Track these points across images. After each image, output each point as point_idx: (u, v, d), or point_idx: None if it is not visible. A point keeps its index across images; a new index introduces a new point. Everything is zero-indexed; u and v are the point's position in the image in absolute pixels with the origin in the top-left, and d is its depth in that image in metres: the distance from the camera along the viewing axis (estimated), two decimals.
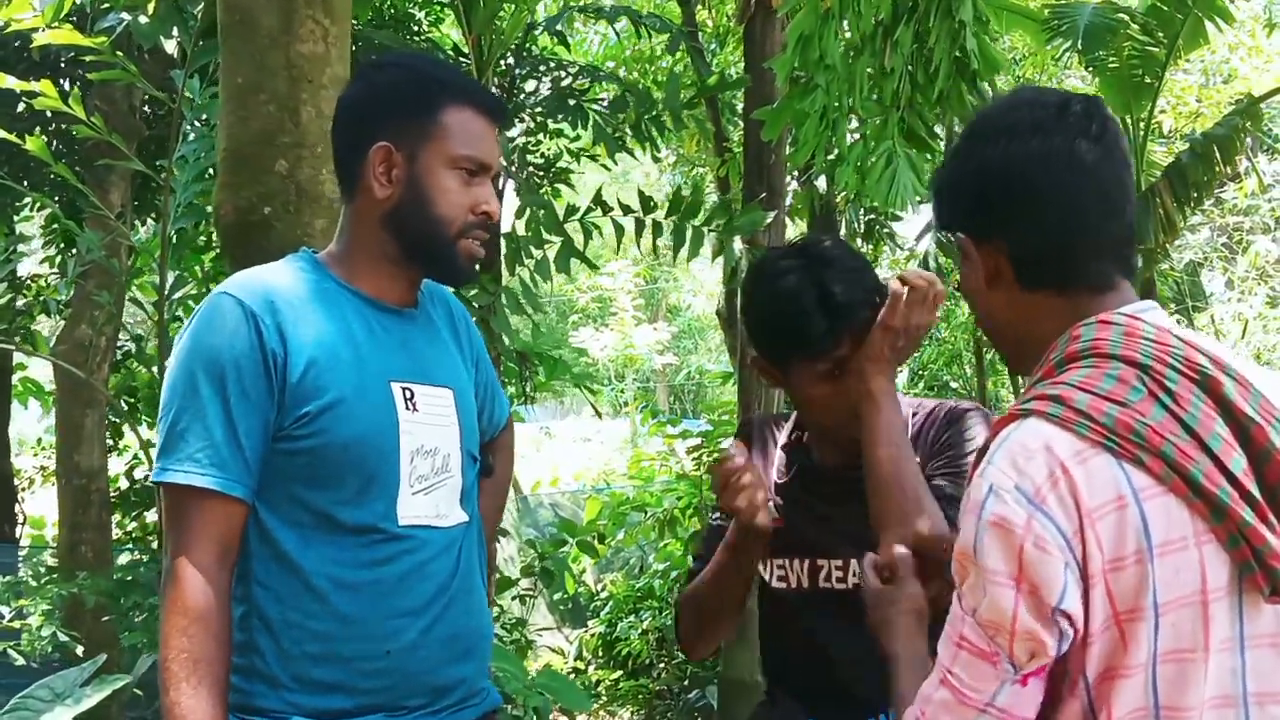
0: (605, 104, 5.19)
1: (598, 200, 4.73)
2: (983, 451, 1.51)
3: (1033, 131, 1.55)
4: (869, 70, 5.11)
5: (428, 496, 2.10)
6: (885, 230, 9.50)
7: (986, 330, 1.71)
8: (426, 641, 2.07)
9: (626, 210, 4.69)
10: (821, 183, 8.61)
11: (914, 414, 2.32)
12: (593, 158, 7.01)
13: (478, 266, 2.24)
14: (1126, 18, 8.52)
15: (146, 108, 7.09)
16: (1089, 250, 1.56)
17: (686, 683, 8.15)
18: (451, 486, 2.15)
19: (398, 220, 2.11)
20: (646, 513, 9.04)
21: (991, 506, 1.42)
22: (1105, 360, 1.48)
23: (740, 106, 10.64)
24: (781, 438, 2.42)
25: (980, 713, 1.44)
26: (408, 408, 2.09)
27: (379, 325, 2.13)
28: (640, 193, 4.79)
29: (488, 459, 2.35)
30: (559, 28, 5.52)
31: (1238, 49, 12.59)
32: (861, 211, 8.99)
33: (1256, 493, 1.41)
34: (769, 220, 4.88)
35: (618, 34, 6.26)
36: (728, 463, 2.13)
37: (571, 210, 4.72)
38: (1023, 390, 1.58)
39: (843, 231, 9.54)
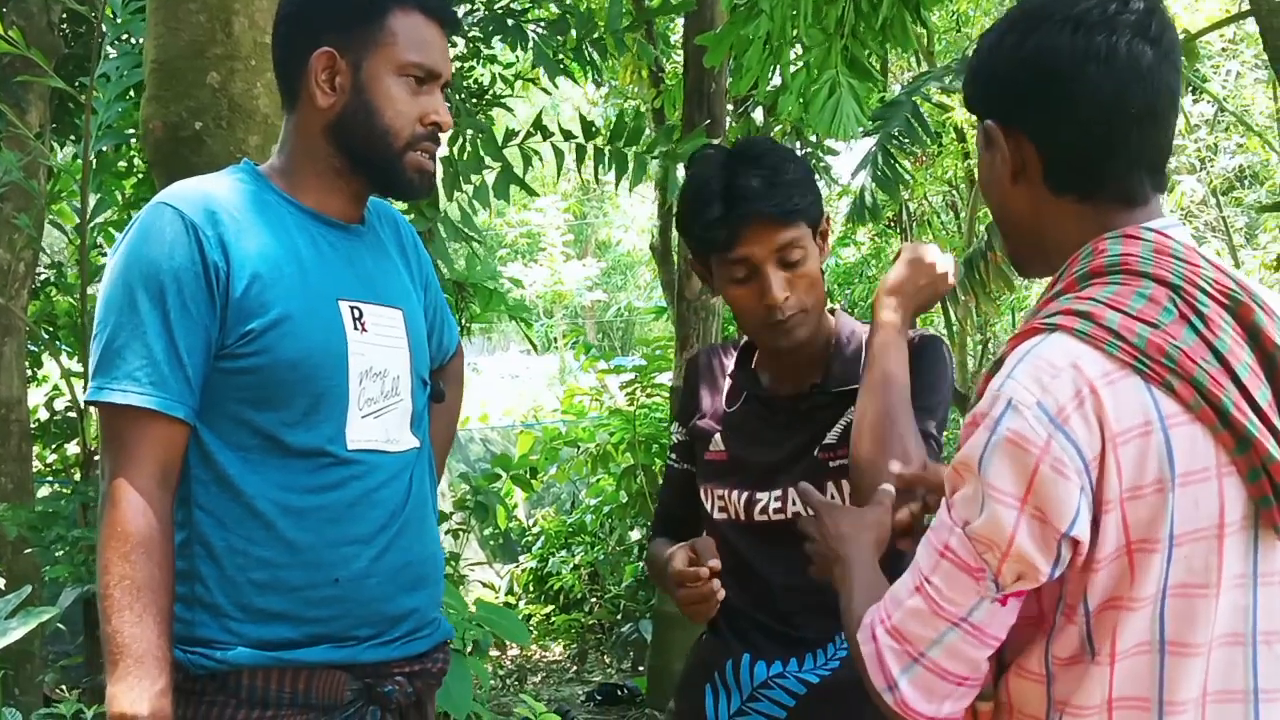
0: (543, 26, 5.05)
1: (538, 125, 4.61)
2: (997, 364, 1.43)
3: (1096, 25, 1.43)
4: None
5: (377, 420, 2.02)
6: (821, 164, 9.43)
7: (1002, 225, 1.61)
8: (377, 570, 1.99)
9: (567, 136, 4.58)
10: (758, 115, 8.52)
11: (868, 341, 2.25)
12: (532, 81, 6.87)
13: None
14: None
15: (65, 24, 6.83)
16: (1127, 158, 1.46)
17: (620, 617, 8.14)
18: (402, 410, 2.07)
19: (342, 130, 2.01)
20: (579, 448, 8.98)
21: (1008, 422, 1.34)
22: (1135, 278, 1.40)
23: (674, 38, 10.54)
24: (730, 364, 2.36)
25: (952, 627, 1.38)
26: (356, 327, 2.00)
27: (325, 241, 2.03)
28: (581, 117, 4.68)
29: (438, 384, 2.26)
30: None
31: None
32: (798, 145, 8.90)
33: (1279, 426, 1.36)
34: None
35: None
36: (693, 573, 2.06)
37: (511, 134, 4.60)
38: (1037, 304, 1.49)
39: None
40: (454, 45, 6.14)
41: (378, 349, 2.03)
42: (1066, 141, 1.47)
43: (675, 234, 10.97)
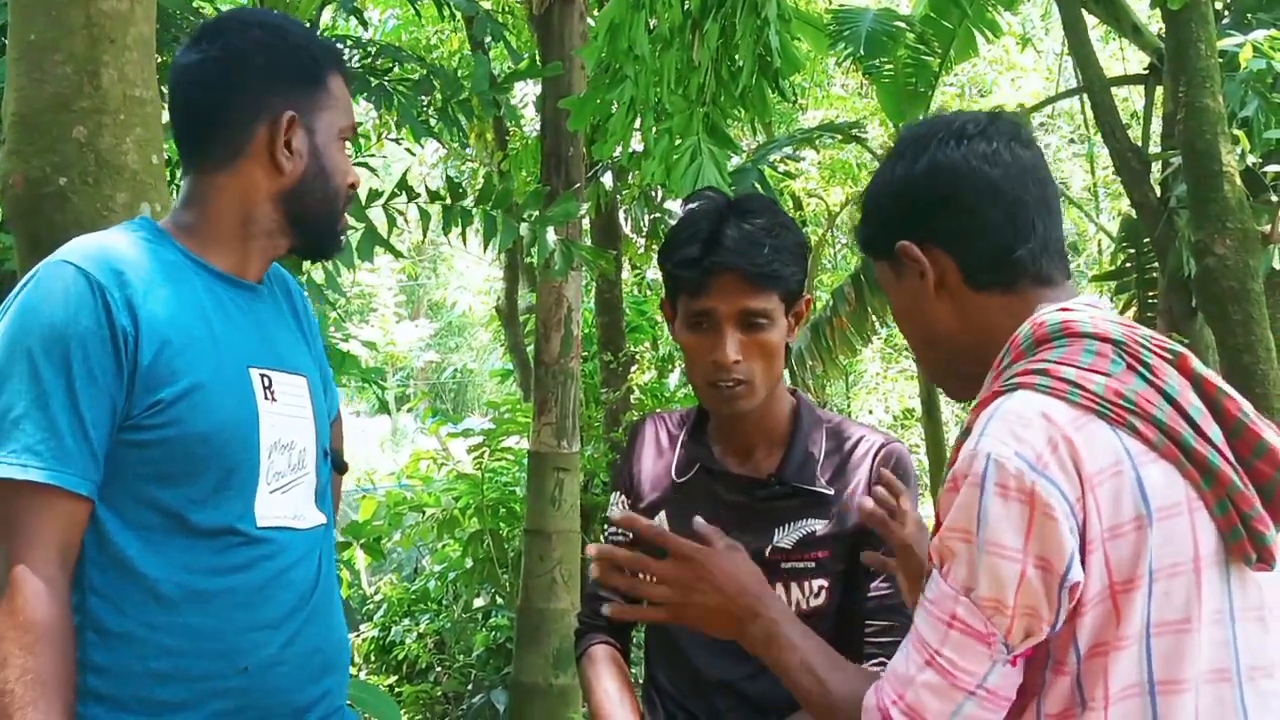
0: (408, 86, 4.97)
1: (403, 185, 4.52)
2: (965, 432, 1.47)
3: (976, 136, 1.57)
4: (676, 65, 5.07)
5: (285, 495, 1.91)
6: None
7: (932, 344, 1.65)
8: (286, 657, 1.88)
9: (434, 197, 4.49)
10: (607, 179, 8.54)
11: (829, 432, 2.19)
12: (397, 141, 6.78)
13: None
14: (905, 26, 8.72)
15: None
16: (1036, 244, 1.56)
17: (470, 687, 7.96)
18: (308, 484, 1.96)
19: (298, 197, 1.93)
20: (424, 513, 8.79)
21: (994, 476, 1.38)
22: (1079, 338, 1.47)
23: (514, 101, 10.51)
24: (678, 433, 2.26)
25: (970, 695, 1.40)
26: (267, 397, 1.90)
27: (232, 304, 1.92)
28: (448, 179, 4.60)
29: (340, 455, 2.15)
30: (354, 4, 5.27)
31: (996, 63, 13.11)
32: (646, 211, 8.96)
33: (1234, 461, 1.42)
34: (582, 211, 4.76)
35: (418, 11, 5.99)
36: None
37: (375, 195, 4.49)
38: (987, 381, 1.54)
39: (627, 229, 9.51)
40: None
41: (287, 419, 1.93)
42: (980, 239, 1.57)
43: (521, 296, 10.92)
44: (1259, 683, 1.42)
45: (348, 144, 1.98)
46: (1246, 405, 1.47)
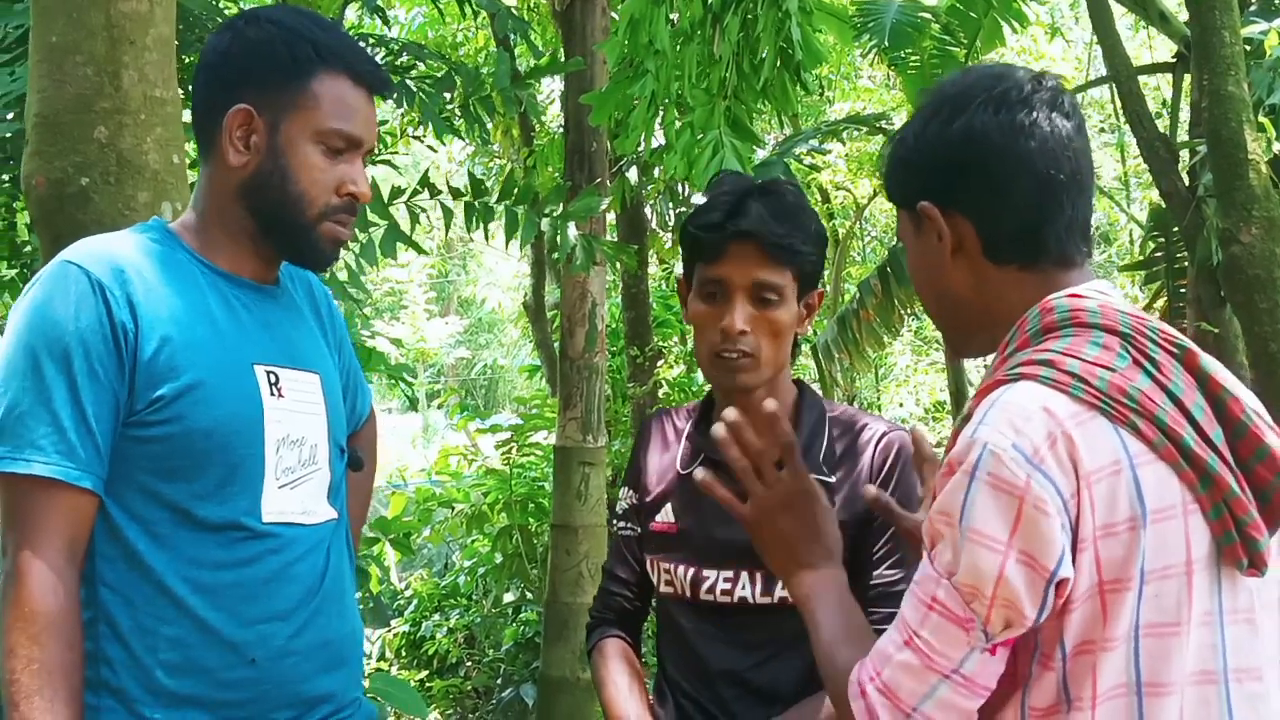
0: (429, 83, 4.98)
1: (424, 182, 4.54)
2: (965, 418, 1.45)
3: (1016, 104, 1.52)
4: (697, 58, 5.08)
5: (294, 491, 1.93)
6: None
7: (942, 305, 1.63)
8: (294, 649, 1.90)
9: (456, 194, 4.51)
10: (633, 174, 8.55)
11: (832, 421, 2.20)
12: (418, 138, 6.81)
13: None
14: (930, 17, 8.68)
15: None
16: (1062, 224, 1.52)
17: (499, 681, 7.99)
18: (319, 480, 1.98)
19: (252, 193, 1.91)
20: (453, 509, 8.82)
21: (988, 466, 1.36)
22: (1086, 329, 1.46)
23: (540, 97, 10.53)
24: (685, 426, 2.28)
25: (944, 679, 1.40)
26: (273, 393, 1.91)
27: (239, 302, 1.94)
28: (470, 175, 4.62)
29: (356, 452, 2.16)
30: (377, 2, 5.29)
31: (1025, 53, 13.03)
32: (670, 206, 8.96)
33: (1233, 464, 1.41)
34: (605, 206, 4.77)
35: (440, 9, 6.02)
36: None
37: (397, 192, 4.52)
38: (992, 366, 1.53)
39: (652, 223, 9.51)
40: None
41: (295, 415, 1.94)
42: (1004, 214, 1.53)
43: (547, 291, 10.94)
44: (1246, 685, 1.41)
45: (341, 151, 1.92)
46: (1252, 405, 1.44)
